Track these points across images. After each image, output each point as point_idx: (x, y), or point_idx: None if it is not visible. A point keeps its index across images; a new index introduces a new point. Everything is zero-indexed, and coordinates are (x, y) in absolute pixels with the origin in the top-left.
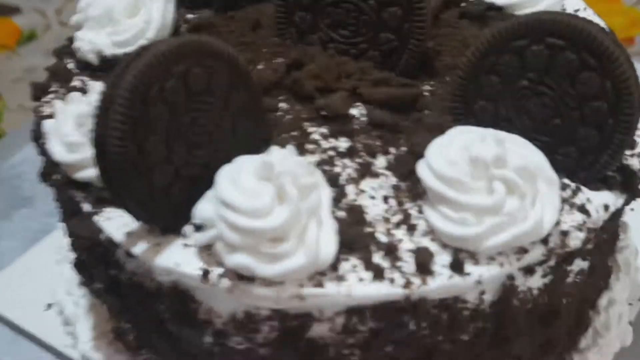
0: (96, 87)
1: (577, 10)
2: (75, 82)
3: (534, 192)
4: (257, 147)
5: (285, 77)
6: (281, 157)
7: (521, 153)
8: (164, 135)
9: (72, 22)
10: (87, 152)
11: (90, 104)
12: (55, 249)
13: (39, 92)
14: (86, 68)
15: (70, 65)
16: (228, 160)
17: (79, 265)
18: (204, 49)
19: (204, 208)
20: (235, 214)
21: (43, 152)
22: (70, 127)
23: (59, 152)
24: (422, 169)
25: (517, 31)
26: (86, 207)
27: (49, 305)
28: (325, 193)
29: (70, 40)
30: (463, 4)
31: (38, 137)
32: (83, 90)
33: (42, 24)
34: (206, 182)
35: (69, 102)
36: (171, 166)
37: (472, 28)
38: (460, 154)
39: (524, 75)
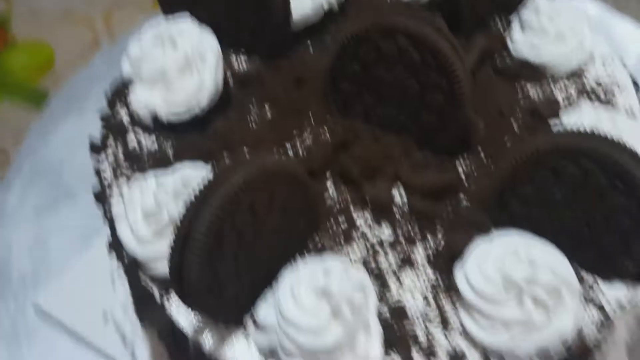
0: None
1: (606, 61)
2: (131, 137)
3: (558, 302)
4: (308, 236)
5: (332, 157)
6: (338, 279)
7: (550, 268)
8: (233, 258)
9: (124, 73)
10: (157, 248)
11: (157, 200)
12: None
13: (97, 150)
14: (139, 123)
15: (123, 112)
16: (285, 259)
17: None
18: (269, 176)
19: (266, 314)
20: (294, 330)
21: (111, 229)
22: (139, 218)
23: (129, 242)
24: (460, 280)
25: (555, 151)
26: (156, 292)
27: (106, 319)
28: (373, 300)
29: (121, 86)
30: (497, 61)
31: (102, 200)
32: (141, 156)
33: None
34: (266, 280)
35: (135, 189)
36: (239, 281)
37: (506, 88)
38: (495, 270)
39: (556, 189)
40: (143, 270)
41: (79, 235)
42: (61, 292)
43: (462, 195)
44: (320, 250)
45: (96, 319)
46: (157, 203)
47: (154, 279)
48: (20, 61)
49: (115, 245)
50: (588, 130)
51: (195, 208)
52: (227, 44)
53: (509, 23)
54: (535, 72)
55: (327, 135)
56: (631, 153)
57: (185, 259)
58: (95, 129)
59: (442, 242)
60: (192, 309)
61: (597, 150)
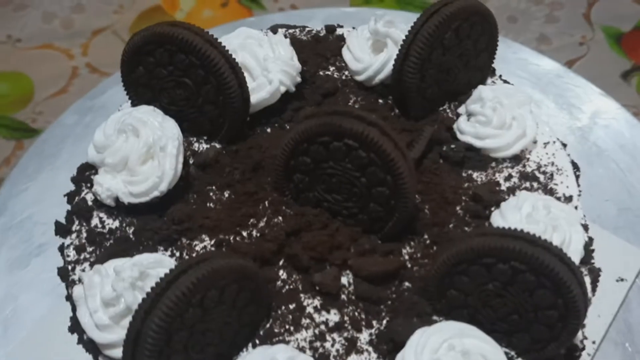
0: (112, 266)
1: (547, 144)
2: (95, 221)
3: None
4: (259, 322)
5: (285, 245)
6: None
7: (482, 355)
8: (183, 348)
9: (89, 159)
10: (114, 335)
11: (115, 289)
12: None
13: (63, 232)
14: (103, 205)
15: (88, 196)
16: (234, 344)
17: None
18: (218, 275)
19: None
20: None
21: (72, 309)
22: (98, 305)
23: (89, 326)
24: None
25: (488, 252)
26: None
27: None
28: None
29: (85, 168)
30: (444, 147)
31: (63, 277)
32: (102, 236)
33: None
34: None
35: (94, 276)
36: None
37: (452, 174)
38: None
39: (490, 281)
40: (101, 353)
41: (48, 291)
42: (30, 350)
43: (405, 282)
44: (269, 337)
45: None
46: (115, 292)
47: None
48: (1, 91)
49: (76, 326)
50: (518, 229)
51: (148, 306)
52: (189, 130)
53: (455, 109)
54: (479, 158)
55: (281, 221)
56: (556, 253)
57: (136, 356)
58: (66, 187)
59: (385, 329)
60: None
61: (524, 252)
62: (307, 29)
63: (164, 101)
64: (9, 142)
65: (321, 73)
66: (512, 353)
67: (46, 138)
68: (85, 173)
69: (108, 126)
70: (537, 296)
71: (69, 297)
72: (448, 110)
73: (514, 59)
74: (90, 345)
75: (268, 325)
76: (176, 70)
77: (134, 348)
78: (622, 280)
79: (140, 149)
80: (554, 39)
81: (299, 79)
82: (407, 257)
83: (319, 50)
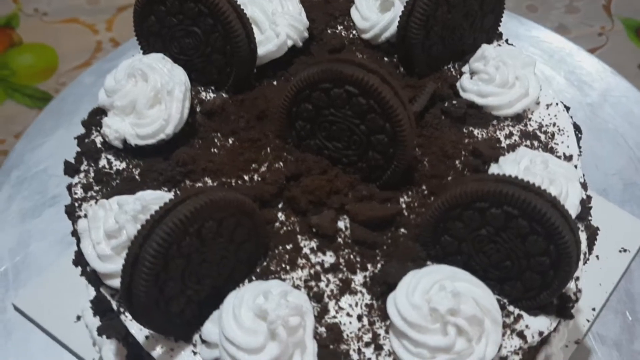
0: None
1: (549, 105)
2: (103, 162)
3: (480, 331)
4: (256, 260)
5: (285, 188)
6: (275, 302)
7: (474, 300)
8: (179, 276)
9: (99, 103)
10: (115, 265)
11: (117, 222)
12: None
13: (71, 171)
14: (111, 147)
15: (98, 139)
16: (232, 279)
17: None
18: (215, 207)
19: (211, 331)
20: (234, 348)
21: (77, 243)
22: (101, 237)
23: (92, 257)
24: (390, 307)
25: (481, 196)
26: (114, 304)
27: (79, 318)
28: (310, 322)
29: (96, 112)
30: (446, 103)
31: (70, 215)
32: (109, 176)
33: None
34: (214, 301)
35: (99, 210)
36: (184, 296)
37: (453, 129)
38: (422, 300)
39: (483, 226)
40: (103, 283)
41: (59, 240)
42: (38, 294)
43: (401, 228)
44: (266, 274)
45: (70, 320)
46: (118, 224)
47: (113, 292)
48: (26, 62)
49: (79, 258)
50: (513, 176)
51: (146, 232)
52: (197, 80)
53: (460, 69)
54: (481, 115)
55: (282, 166)
56: (550, 199)
57: (134, 278)
58: None
59: (379, 271)
60: (140, 323)
61: (517, 197)
62: None
63: (174, 50)
64: (32, 111)
65: (329, 31)
66: (505, 301)
67: (64, 96)
68: (96, 117)
69: (119, 71)
70: (529, 242)
71: (74, 233)
72: (452, 69)
73: (526, 36)
74: (93, 277)
75: (265, 263)
76: (186, 19)
77: (131, 271)
78: (625, 251)
79: (149, 92)
80: (573, 29)
81: (306, 35)
82: (404, 205)
83: (328, 9)
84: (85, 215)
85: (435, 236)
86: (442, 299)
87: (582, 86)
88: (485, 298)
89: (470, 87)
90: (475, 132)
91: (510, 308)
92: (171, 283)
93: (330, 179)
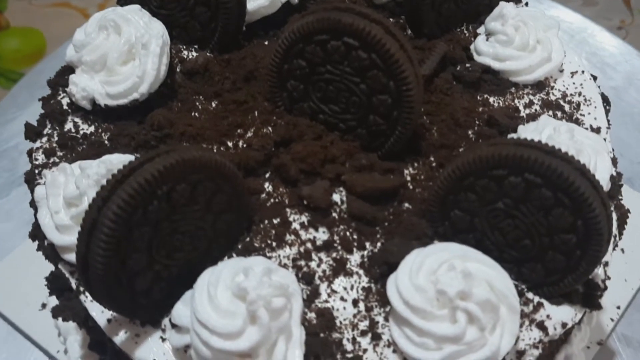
0: (84, 166)
1: (574, 73)
2: (69, 125)
3: (494, 320)
4: (237, 235)
5: (272, 155)
6: (256, 280)
7: (487, 282)
8: (146, 248)
9: (67, 59)
10: (75, 237)
11: (78, 187)
12: None
13: (33, 135)
14: (79, 109)
15: (64, 100)
16: (208, 255)
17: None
18: (189, 167)
19: (182, 314)
20: (207, 332)
21: (34, 214)
22: (60, 204)
23: (49, 228)
24: (390, 289)
25: (498, 162)
26: (72, 282)
27: (44, 306)
28: (298, 306)
29: (65, 70)
30: (459, 67)
31: (30, 182)
32: (74, 141)
33: None
34: (187, 279)
35: (59, 175)
36: (152, 271)
37: (465, 96)
38: (427, 281)
39: (499, 198)
40: (61, 259)
41: (26, 222)
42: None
43: (405, 203)
44: (248, 250)
45: (34, 308)
46: (78, 190)
47: (72, 269)
48: (12, 46)
49: (36, 230)
50: (535, 140)
51: (106, 194)
52: (179, 37)
53: (474, 31)
54: (497, 82)
55: (270, 132)
56: (578, 167)
57: (91, 247)
58: None
59: (379, 250)
60: (98, 302)
61: (541, 162)
62: None
63: (153, 4)
64: None
65: None
66: (523, 286)
67: (41, 69)
68: (64, 77)
69: (89, 24)
70: (553, 216)
71: (32, 203)
72: (466, 32)
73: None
74: (50, 252)
75: (247, 239)
76: None
77: (88, 239)
78: None
79: (121, 47)
80: None
81: None
82: (409, 178)
83: None
84: (44, 182)
85: (443, 211)
86: (451, 280)
87: (605, 69)
88: (501, 281)
89: (486, 50)
90: (491, 99)
91: (529, 295)
92: (136, 255)
93: (324, 146)
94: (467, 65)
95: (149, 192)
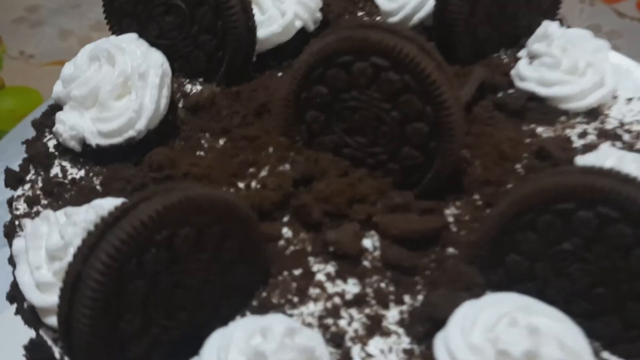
0: (74, 212)
1: (630, 100)
2: (55, 170)
3: None
4: (252, 289)
5: (291, 195)
6: (277, 342)
7: (557, 340)
8: (141, 307)
9: (54, 95)
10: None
11: (63, 237)
12: None
13: (14, 182)
14: (68, 151)
15: (51, 142)
16: (217, 313)
17: None
18: (194, 207)
19: None
20: None
21: (13, 271)
22: (42, 258)
23: (28, 286)
24: (439, 350)
25: (564, 194)
26: (56, 351)
27: None
28: None
29: (52, 110)
30: (500, 94)
31: (9, 236)
32: (62, 187)
33: None
34: (191, 344)
35: (41, 224)
36: (148, 335)
37: (509, 126)
38: (485, 339)
39: (566, 238)
40: (42, 323)
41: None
42: None
43: (449, 247)
44: (265, 308)
45: None
46: (63, 240)
47: (56, 335)
48: (7, 106)
49: (14, 290)
50: (607, 169)
51: (93, 241)
52: (181, 70)
53: (514, 54)
54: (544, 109)
55: (288, 169)
56: None
57: (74, 307)
58: None
59: (421, 304)
60: None
61: (617, 192)
62: None
63: (151, 34)
64: None
65: (347, 17)
66: (596, 344)
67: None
68: (51, 117)
69: (79, 56)
70: (634, 257)
71: (10, 259)
72: (504, 57)
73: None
74: (30, 315)
75: (264, 294)
76: None
77: (71, 296)
78: None
79: (115, 79)
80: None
81: (319, 15)
82: (451, 219)
83: None
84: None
85: (497, 255)
86: (515, 337)
87: None
88: (573, 338)
89: (530, 75)
90: (539, 130)
91: (605, 354)
92: (129, 316)
93: (352, 183)
94: (510, 91)
95: (145, 238)
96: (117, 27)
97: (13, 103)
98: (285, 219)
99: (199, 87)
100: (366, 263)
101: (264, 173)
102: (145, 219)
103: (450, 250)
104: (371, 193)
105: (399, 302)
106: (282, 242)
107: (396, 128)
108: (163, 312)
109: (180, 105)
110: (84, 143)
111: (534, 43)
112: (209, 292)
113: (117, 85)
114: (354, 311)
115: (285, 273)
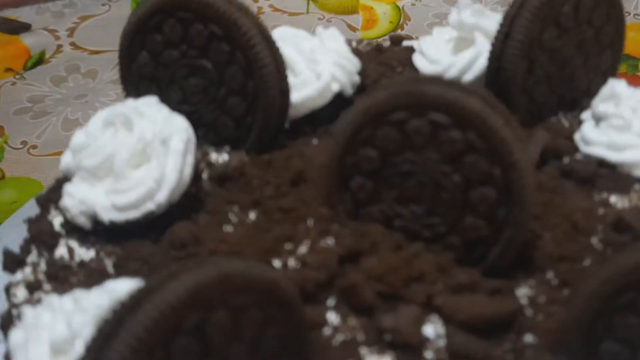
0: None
1: None
2: (61, 250)
3: None
4: None
5: (337, 274)
6: None
7: None
8: None
9: (61, 168)
10: None
11: (70, 326)
12: None
13: (13, 265)
14: (76, 229)
15: (57, 220)
16: None
17: None
18: (230, 285)
19: None
20: None
21: None
22: (44, 353)
23: None
24: None
25: None
26: None
27: None
28: None
29: (60, 183)
30: (566, 159)
31: (6, 327)
32: (68, 271)
33: (52, 44)
34: None
35: (44, 311)
36: None
37: (579, 194)
38: None
39: None
40: None
41: None
42: None
43: (526, 334)
44: None
45: None
46: (70, 331)
47: None
48: (7, 197)
49: None
50: None
51: (109, 330)
52: (206, 138)
53: (574, 118)
54: (616, 176)
55: (332, 245)
56: None
57: None
58: None
59: None
60: None
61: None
62: (365, 40)
63: (173, 99)
64: None
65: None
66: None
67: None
68: (59, 192)
69: (93, 122)
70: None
71: (7, 357)
72: (563, 120)
73: None
74: None
75: None
76: (191, 49)
77: None
78: None
79: (134, 145)
80: None
81: (357, 79)
82: (524, 301)
83: (382, 59)
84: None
85: (590, 343)
86: None
87: None
88: None
89: (598, 139)
90: (612, 199)
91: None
92: None
93: (407, 258)
94: (577, 156)
95: (171, 324)
96: (135, 92)
97: (14, 194)
98: (331, 302)
99: (225, 157)
100: (429, 354)
101: (303, 249)
102: (174, 302)
103: (528, 338)
104: (431, 270)
105: None
106: (327, 330)
107: (458, 194)
108: None
109: (204, 176)
110: (95, 219)
111: (601, 103)
112: None
113: (136, 152)
114: None
115: None
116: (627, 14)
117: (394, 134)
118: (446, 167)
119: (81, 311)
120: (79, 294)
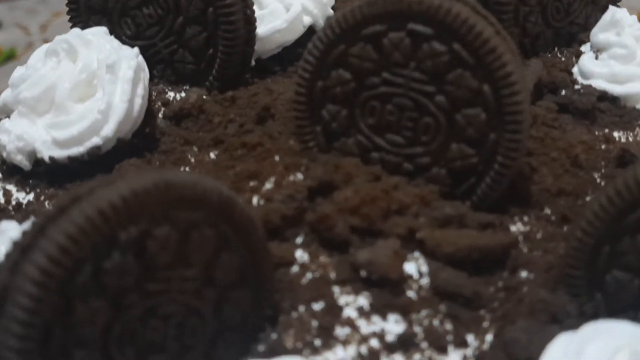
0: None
1: None
2: None
3: None
4: (257, 328)
5: (307, 208)
6: None
7: None
8: (99, 340)
9: (0, 102)
10: None
11: None
12: None
13: None
14: (14, 171)
15: None
16: (209, 358)
17: None
18: (175, 197)
19: None
20: None
21: None
22: None
23: None
24: None
25: None
26: None
27: None
28: None
29: None
30: (562, 92)
31: None
32: (6, 215)
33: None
34: None
35: None
36: None
37: (578, 128)
38: None
39: None
40: None
41: None
42: None
43: (522, 271)
44: (276, 353)
45: None
46: None
47: None
48: None
49: None
50: None
51: (26, 242)
52: (162, 76)
53: (571, 54)
54: (618, 111)
55: (301, 178)
56: None
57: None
58: None
59: (494, 343)
60: None
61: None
62: None
63: (125, 33)
64: None
65: None
66: None
67: None
68: None
69: (35, 54)
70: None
71: None
72: (560, 56)
73: None
74: None
75: (274, 335)
76: None
77: None
78: None
79: (77, 75)
80: None
81: (331, 12)
82: (520, 239)
83: None
84: None
85: (593, 275)
86: None
87: None
88: None
89: (598, 70)
90: (615, 134)
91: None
92: (80, 354)
93: (386, 190)
94: (577, 87)
95: (105, 236)
96: (82, 25)
97: None
98: (300, 239)
99: (183, 95)
100: (410, 292)
101: (268, 186)
102: (106, 208)
103: (524, 273)
104: (413, 202)
105: (461, 344)
106: (295, 268)
107: (442, 118)
108: (131, 352)
109: (160, 115)
110: (35, 159)
111: (600, 33)
112: (197, 327)
113: (80, 83)
114: (399, 357)
115: (302, 308)
116: None
117: (369, 51)
118: (429, 86)
119: (6, 239)
120: (6, 224)
